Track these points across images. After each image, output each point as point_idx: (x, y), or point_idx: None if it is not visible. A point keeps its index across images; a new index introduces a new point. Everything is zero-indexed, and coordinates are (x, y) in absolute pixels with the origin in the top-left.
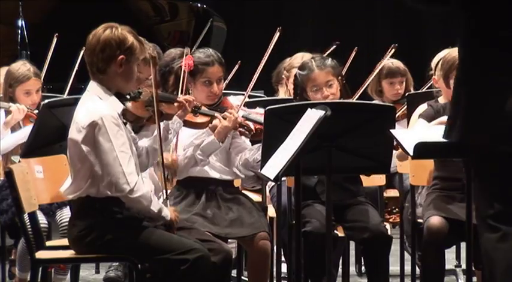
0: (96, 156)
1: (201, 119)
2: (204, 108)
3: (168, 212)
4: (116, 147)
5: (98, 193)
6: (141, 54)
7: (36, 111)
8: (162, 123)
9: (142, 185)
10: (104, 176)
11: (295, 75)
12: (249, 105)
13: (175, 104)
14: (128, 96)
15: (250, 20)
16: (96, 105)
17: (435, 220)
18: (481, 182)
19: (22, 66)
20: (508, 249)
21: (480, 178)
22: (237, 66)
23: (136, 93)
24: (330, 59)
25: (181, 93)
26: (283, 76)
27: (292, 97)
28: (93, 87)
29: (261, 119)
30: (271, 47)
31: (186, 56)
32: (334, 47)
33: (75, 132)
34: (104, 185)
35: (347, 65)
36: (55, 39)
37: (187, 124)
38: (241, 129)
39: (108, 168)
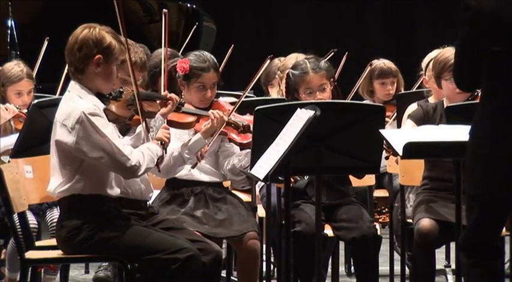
0: (94, 149)
1: (188, 119)
2: (190, 107)
3: (159, 148)
4: (108, 135)
5: (90, 189)
6: (120, 54)
7: (25, 111)
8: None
9: (137, 157)
10: (108, 163)
11: (288, 75)
12: (240, 106)
13: (158, 102)
14: (109, 96)
15: (240, 19)
16: (75, 104)
17: (425, 222)
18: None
19: (15, 67)
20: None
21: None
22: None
23: (117, 92)
24: (323, 60)
25: (165, 90)
26: (276, 76)
27: (284, 97)
28: (73, 87)
29: (246, 122)
30: (261, 71)
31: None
32: (332, 54)
33: (64, 134)
34: (113, 169)
35: (339, 68)
36: (46, 43)
37: (174, 124)
38: (229, 126)
39: (111, 156)
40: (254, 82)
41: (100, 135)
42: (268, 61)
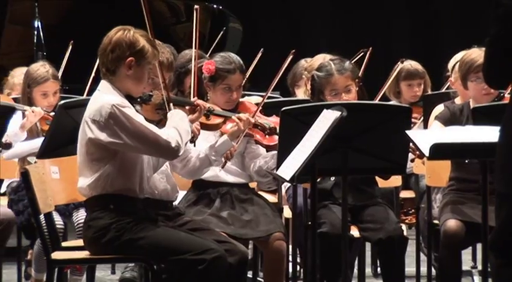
0: (131, 139)
1: (215, 120)
2: (218, 109)
3: (186, 121)
4: (142, 123)
5: (117, 189)
6: (153, 59)
7: (52, 114)
8: None
9: (175, 136)
10: (149, 150)
11: (313, 76)
12: (267, 107)
13: (187, 107)
14: (139, 99)
15: (265, 20)
16: (103, 99)
17: (452, 223)
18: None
19: (41, 68)
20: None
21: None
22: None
23: (147, 96)
24: (348, 61)
25: (194, 96)
26: (302, 76)
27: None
28: (104, 86)
29: (272, 124)
30: (284, 67)
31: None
32: (361, 54)
33: (97, 130)
34: (155, 154)
35: (363, 66)
36: (70, 47)
37: (201, 125)
38: (255, 128)
39: (150, 142)
40: (279, 81)
41: (135, 124)
42: (291, 56)
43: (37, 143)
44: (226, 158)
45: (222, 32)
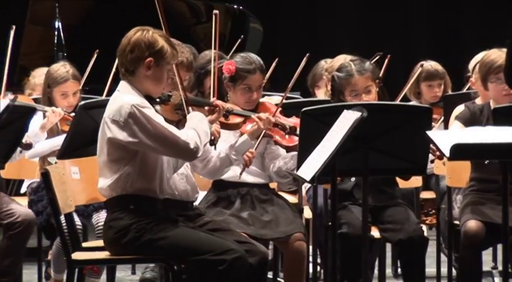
0: (151, 139)
1: (235, 120)
2: (237, 108)
3: (205, 123)
4: (162, 123)
5: (138, 190)
6: (172, 59)
7: (73, 114)
8: None
9: (194, 137)
10: (168, 151)
11: (333, 77)
12: (287, 108)
13: (206, 108)
14: (158, 100)
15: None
16: (123, 99)
17: (472, 224)
18: None
19: (61, 68)
20: None
21: None
22: (273, 65)
23: (166, 96)
24: (368, 62)
25: (214, 96)
26: (323, 77)
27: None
28: (123, 86)
29: (292, 124)
30: (300, 69)
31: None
32: (377, 57)
33: (116, 130)
34: (174, 155)
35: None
36: (95, 55)
37: (221, 125)
38: (275, 128)
39: (169, 142)
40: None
41: (154, 124)
42: (306, 59)
43: (58, 140)
44: (245, 165)
45: (240, 31)
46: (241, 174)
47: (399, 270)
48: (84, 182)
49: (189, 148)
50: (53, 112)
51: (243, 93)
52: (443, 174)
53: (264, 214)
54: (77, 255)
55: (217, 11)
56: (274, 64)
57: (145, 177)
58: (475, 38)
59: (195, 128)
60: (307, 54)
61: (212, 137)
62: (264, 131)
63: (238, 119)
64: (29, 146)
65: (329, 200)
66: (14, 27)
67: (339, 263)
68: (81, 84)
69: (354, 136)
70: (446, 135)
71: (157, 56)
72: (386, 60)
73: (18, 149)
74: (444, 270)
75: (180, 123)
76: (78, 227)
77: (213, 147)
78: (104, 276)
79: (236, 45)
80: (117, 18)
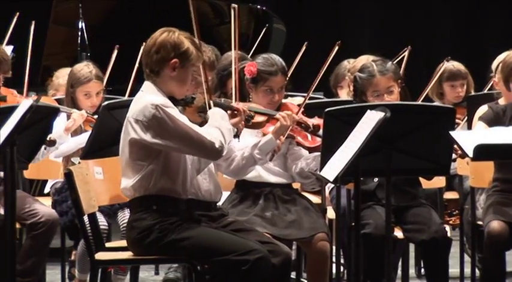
0: (175, 139)
1: (258, 119)
2: (260, 108)
3: (227, 122)
4: (186, 123)
5: (161, 190)
6: (197, 61)
7: (96, 116)
8: None
9: (218, 136)
10: (192, 150)
11: (355, 77)
12: (309, 108)
13: (229, 112)
14: (181, 101)
15: (309, 20)
16: (146, 99)
17: (495, 224)
18: None
19: (85, 68)
20: None
21: None
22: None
23: (189, 98)
24: (390, 62)
25: (236, 99)
26: (345, 78)
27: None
28: (147, 86)
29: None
30: (330, 59)
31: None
32: (406, 50)
33: (140, 130)
34: (198, 155)
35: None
36: (116, 51)
37: (245, 125)
38: (298, 127)
39: (194, 142)
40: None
41: (178, 124)
42: (337, 48)
43: (84, 138)
44: (274, 151)
45: (263, 32)
46: (271, 159)
47: (422, 270)
48: (107, 182)
49: (215, 147)
50: (81, 115)
51: (264, 94)
52: (467, 175)
53: (288, 214)
54: (100, 256)
55: (235, 5)
56: (301, 53)
57: (168, 177)
58: (498, 38)
59: (218, 126)
60: (338, 42)
61: (235, 129)
62: (288, 130)
63: (261, 118)
64: (53, 143)
65: (352, 201)
66: (33, 22)
67: (362, 264)
68: (105, 79)
69: (377, 136)
70: (470, 136)
71: (183, 57)
72: (406, 53)
73: (42, 148)
74: (468, 270)
75: (202, 125)
76: (102, 227)
77: (237, 139)
78: (127, 276)
79: (257, 41)
80: (141, 18)
